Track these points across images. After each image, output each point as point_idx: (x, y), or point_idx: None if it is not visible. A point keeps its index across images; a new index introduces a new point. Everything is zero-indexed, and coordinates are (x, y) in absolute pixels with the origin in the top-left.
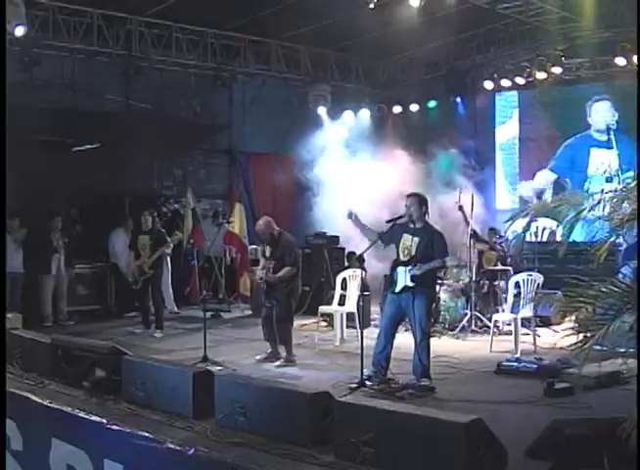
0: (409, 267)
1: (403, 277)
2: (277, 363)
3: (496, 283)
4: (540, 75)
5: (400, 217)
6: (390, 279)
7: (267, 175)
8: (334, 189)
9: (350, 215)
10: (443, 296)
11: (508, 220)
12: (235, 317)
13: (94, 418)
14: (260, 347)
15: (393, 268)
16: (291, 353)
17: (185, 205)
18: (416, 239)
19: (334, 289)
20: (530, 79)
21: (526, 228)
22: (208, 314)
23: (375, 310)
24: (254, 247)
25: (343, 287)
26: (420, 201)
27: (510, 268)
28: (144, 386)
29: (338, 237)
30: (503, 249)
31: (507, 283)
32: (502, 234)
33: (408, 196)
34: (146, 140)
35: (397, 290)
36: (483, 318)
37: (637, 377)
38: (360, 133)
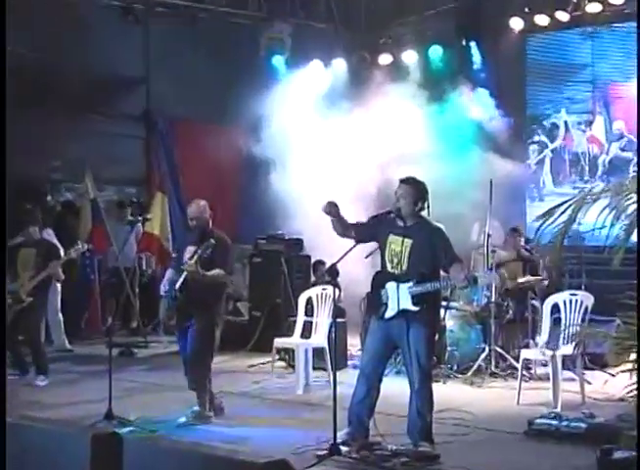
0: (409, 284)
1: (395, 297)
2: (182, 420)
3: (526, 306)
4: (593, 7)
5: (389, 213)
6: (375, 299)
7: (201, 152)
8: (296, 169)
9: (330, 208)
10: (451, 324)
11: (543, 216)
12: (154, 355)
13: None
14: (191, 397)
15: (378, 284)
16: (205, 406)
17: (82, 194)
18: (407, 242)
19: (295, 314)
20: (578, 13)
21: (567, 227)
22: (115, 352)
23: (354, 344)
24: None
25: (309, 311)
26: (417, 191)
27: (545, 284)
28: (23, 456)
29: (301, 240)
30: (533, 257)
31: (541, 306)
32: (530, 237)
33: (402, 182)
34: (22, 101)
35: (388, 315)
36: (508, 356)
37: (637, 381)
38: (332, 93)
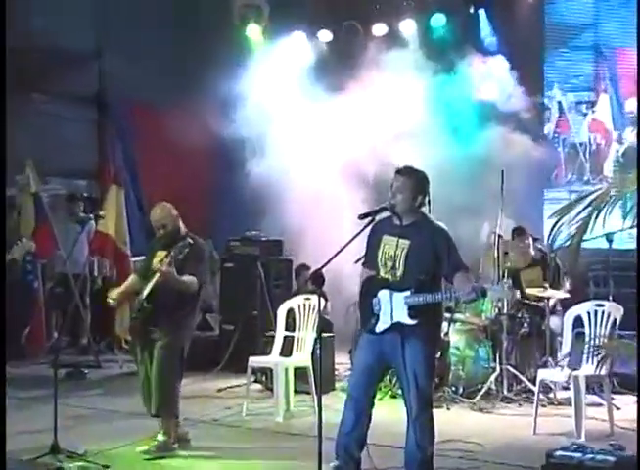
0: (405, 293)
1: (388, 308)
2: (142, 449)
3: (543, 319)
4: None
5: (382, 209)
6: (365, 310)
7: (164, 138)
8: (277, 156)
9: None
10: (456, 339)
11: (559, 213)
12: (108, 377)
13: None
14: (152, 425)
15: (369, 291)
16: (170, 434)
17: (22, 188)
18: (404, 243)
19: (273, 328)
20: None
21: (586, 225)
22: (62, 373)
23: (342, 363)
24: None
25: (290, 325)
26: (415, 183)
27: (566, 294)
28: None
29: (280, 242)
30: (546, 259)
31: (562, 319)
32: (540, 237)
33: (397, 173)
34: None
35: (380, 329)
36: (523, 377)
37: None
38: (318, 68)
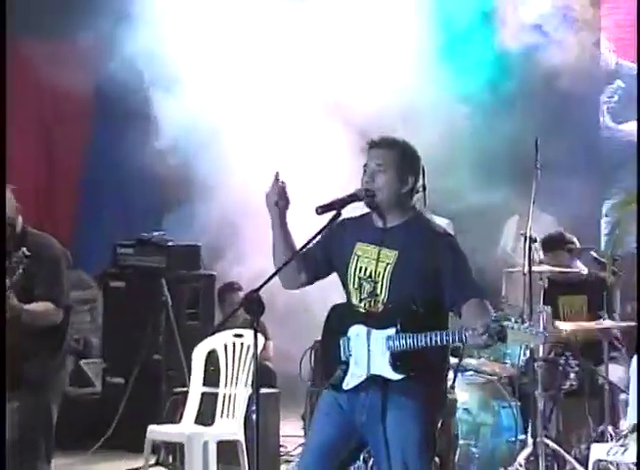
0: (388, 332)
1: (363, 353)
2: None
3: (599, 366)
4: None
5: (353, 198)
6: (328, 354)
7: (17, 83)
8: (191, 109)
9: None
10: (466, 397)
11: (620, 207)
12: None
13: None
14: None
15: (335, 327)
16: None
17: None
18: (388, 255)
19: (186, 382)
20: None
21: None
22: None
23: (291, 435)
24: None
25: (212, 377)
26: (402, 159)
27: (630, 322)
28: None
29: (196, 249)
30: (599, 279)
31: (627, 366)
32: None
33: (374, 146)
34: None
35: (350, 385)
36: (568, 456)
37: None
38: None
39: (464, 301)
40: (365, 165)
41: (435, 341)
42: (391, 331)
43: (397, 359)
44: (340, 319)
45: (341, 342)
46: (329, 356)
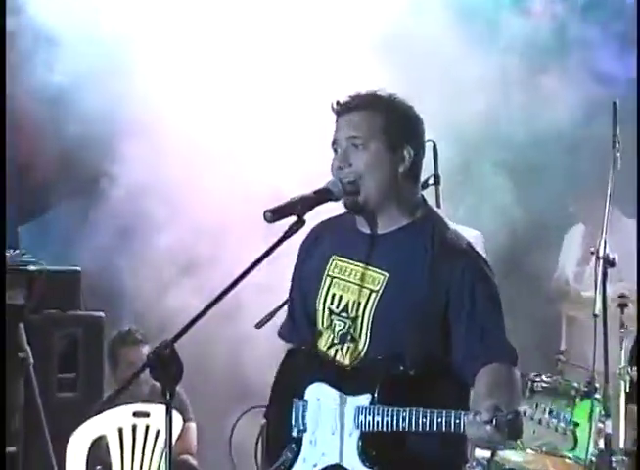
0: (358, 400)
1: (326, 429)
2: None
3: None
4: None
5: (325, 196)
6: (273, 427)
7: None
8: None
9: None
10: None
11: None
12: None
13: None
14: None
15: (289, 387)
16: None
17: None
18: (374, 279)
19: None
20: None
21: None
22: None
23: None
24: None
25: None
26: (390, 123)
27: None
28: None
29: (75, 275)
30: None
31: None
32: None
33: (343, 110)
34: None
35: None
36: None
37: (637, 383)
38: None
39: (481, 364)
40: (333, 142)
41: (420, 423)
42: (365, 400)
43: (370, 445)
44: (296, 372)
45: (293, 408)
46: (276, 429)
